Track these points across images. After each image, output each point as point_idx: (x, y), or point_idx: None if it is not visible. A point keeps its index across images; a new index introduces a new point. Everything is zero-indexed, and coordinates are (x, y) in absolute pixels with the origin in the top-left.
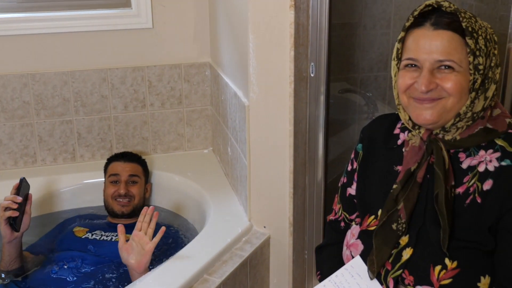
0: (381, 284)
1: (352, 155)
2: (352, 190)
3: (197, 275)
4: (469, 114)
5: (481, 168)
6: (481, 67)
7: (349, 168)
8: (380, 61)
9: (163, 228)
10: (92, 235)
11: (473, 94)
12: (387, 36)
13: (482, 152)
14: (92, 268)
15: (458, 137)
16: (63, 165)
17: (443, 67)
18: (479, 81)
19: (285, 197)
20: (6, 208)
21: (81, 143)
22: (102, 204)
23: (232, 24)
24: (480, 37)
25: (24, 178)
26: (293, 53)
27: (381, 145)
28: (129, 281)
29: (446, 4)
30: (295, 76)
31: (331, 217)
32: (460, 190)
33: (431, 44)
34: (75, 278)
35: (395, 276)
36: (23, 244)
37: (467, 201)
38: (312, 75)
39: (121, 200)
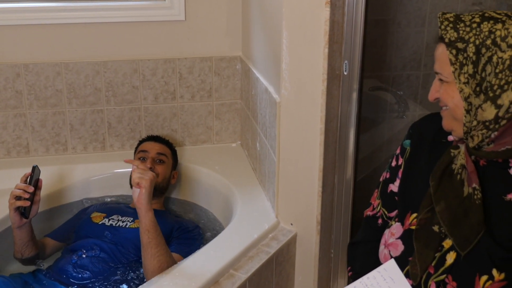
0: (420, 287)
1: (398, 151)
2: (394, 187)
3: (223, 270)
4: (474, 123)
5: None
6: (464, 75)
7: (393, 164)
8: (414, 59)
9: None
10: (109, 220)
11: (465, 104)
12: (422, 34)
13: None
14: (110, 257)
15: (489, 149)
16: (93, 154)
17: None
18: (466, 90)
19: (314, 195)
20: (17, 197)
21: (111, 132)
22: (130, 194)
23: (266, 19)
24: (471, 45)
25: (36, 166)
26: (327, 50)
27: (431, 142)
28: None
29: (439, 14)
30: (328, 74)
31: (368, 212)
32: (511, 196)
33: (434, 56)
34: (94, 267)
35: (437, 281)
36: (44, 230)
37: None
38: (345, 73)
39: None
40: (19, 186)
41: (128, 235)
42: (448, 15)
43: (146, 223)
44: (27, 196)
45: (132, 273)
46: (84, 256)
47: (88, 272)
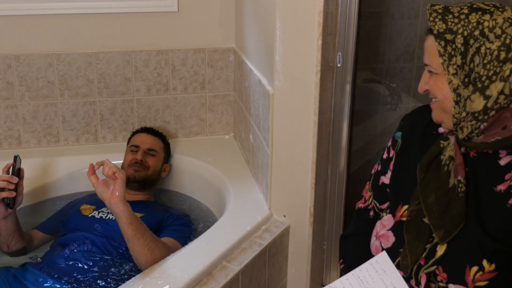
0: (411, 278)
1: (389, 143)
2: (385, 179)
3: (216, 261)
4: (463, 114)
5: None
6: (453, 67)
7: (385, 156)
8: (407, 52)
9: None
10: (99, 213)
11: (454, 95)
12: (415, 27)
13: None
14: (101, 251)
15: (479, 140)
16: (85, 146)
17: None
18: (454, 81)
19: (307, 187)
20: (1, 188)
21: (103, 124)
22: None
23: (259, 10)
24: (459, 36)
25: (17, 155)
26: (320, 42)
27: (422, 134)
28: None
29: (428, 6)
30: (321, 66)
31: (360, 204)
32: (501, 187)
33: (424, 48)
34: (86, 262)
35: (428, 272)
36: (36, 222)
37: (511, 202)
38: (339, 65)
39: (136, 166)
40: (3, 178)
41: (118, 228)
42: (436, 7)
43: (126, 216)
44: (12, 187)
45: (124, 266)
46: (75, 250)
47: (80, 266)
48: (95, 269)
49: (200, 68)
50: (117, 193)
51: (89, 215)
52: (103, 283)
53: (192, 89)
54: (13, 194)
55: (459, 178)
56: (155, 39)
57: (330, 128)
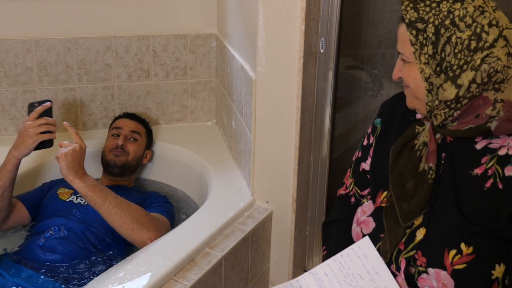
0: (391, 263)
1: (369, 130)
2: (366, 165)
3: (199, 248)
4: (436, 102)
5: (502, 152)
6: (425, 56)
7: (365, 142)
8: (389, 38)
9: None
10: (77, 198)
11: (426, 84)
12: (397, 13)
13: (504, 136)
14: (78, 237)
15: (453, 128)
16: (65, 133)
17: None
18: (426, 71)
19: (289, 173)
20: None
21: (83, 111)
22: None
23: None
24: (430, 25)
25: (50, 100)
26: (303, 27)
27: (400, 120)
28: (119, 249)
29: None
30: (304, 52)
31: (341, 191)
32: (478, 171)
33: (397, 35)
34: (63, 249)
35: (407, 257)
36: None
37: (487, 185)
38: (321, 50)
39: (116, 151)
40: (42, 121)
41: (97, 213)
42: None
43: (80, 191)
44: (53, 129)
45: (104, 253)
46: (51, 237)
47: (57, 255)
48: (72, 256)
49: (182, 54)
50: (62, 171)
51: (67, 200)
52: (83, 271)
53: (174, 75)
54: (54, 136)
55: (430, 164)
56: (136, 25)
57: (313, 114)
